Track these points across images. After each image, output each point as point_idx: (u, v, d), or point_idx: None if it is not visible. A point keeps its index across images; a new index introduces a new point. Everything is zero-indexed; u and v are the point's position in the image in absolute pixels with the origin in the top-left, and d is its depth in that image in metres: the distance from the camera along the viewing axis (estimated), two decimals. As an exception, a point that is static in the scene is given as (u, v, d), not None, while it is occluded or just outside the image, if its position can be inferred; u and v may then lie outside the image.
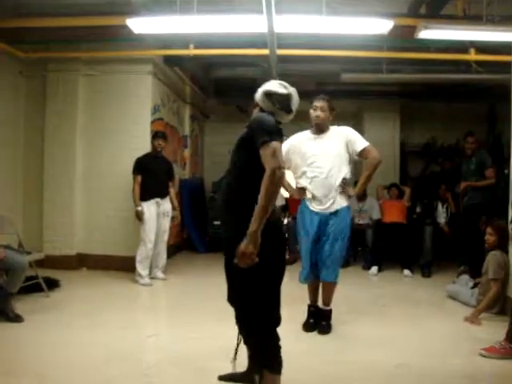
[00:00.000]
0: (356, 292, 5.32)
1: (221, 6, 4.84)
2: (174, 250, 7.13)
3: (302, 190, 3.93)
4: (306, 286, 4.03)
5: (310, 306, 4.05)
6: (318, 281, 3.96)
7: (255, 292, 2.29)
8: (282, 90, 2.49)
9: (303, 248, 3.92)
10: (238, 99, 8.27)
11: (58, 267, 5.66)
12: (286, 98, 2.49)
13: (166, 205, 5.77)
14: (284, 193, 5.01)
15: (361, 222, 7.11)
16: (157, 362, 3.25)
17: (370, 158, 3.88)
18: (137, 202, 5.53)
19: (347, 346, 3.63)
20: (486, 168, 5.84)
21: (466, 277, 5.21)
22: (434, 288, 5.57)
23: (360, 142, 3.90)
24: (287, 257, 6.58)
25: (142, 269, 5.53)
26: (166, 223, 5.80)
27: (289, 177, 4.13)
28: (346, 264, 6.33)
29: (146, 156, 5.76)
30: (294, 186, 4.12)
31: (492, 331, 3.80)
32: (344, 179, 3.86)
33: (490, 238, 4.54)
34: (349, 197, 3.96)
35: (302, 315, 4.01)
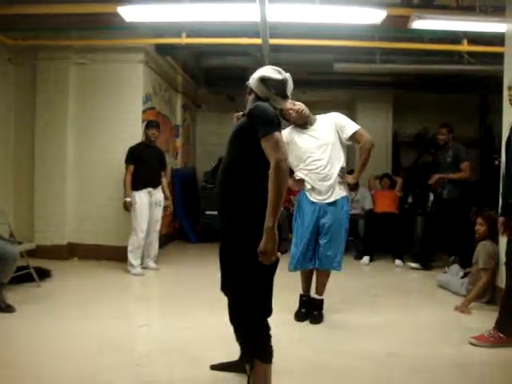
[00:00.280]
0: (348, 282, 5.34)
1: (213, -5, 4.80)
2: (165, 240, 7.12)
3: (301, 180, 3.92)
4: (297, 276, 4.04)
5: (302, 296, 4.06)
6: (313, 270, 3.98)
7: (250, 282, 2.29)
8: (277, 76, 2.47)
9: (298, 237, 3.91)
10: (229, 89, 8.25)
11: (49, 257, 5.63)
12: (282, 83, 2.47)
13: (158, 194, 5.75)
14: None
15: (353, 211, 7.12)
16: (149, 352, 3.26)
17: (363, 142, 3.86)
18: (127, 191, 5.51)
19: (339, 336, 3.65)
20: (462, 161, 5.86)
21: (456, 267, 5.26)
22: (425, 278, 5.62)
23: (350, 126, 3.87)
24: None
25: (133, 258, 5.52)
26: (159, 213, 5.78)
27: None
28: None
29: (138, 145, 5.72)
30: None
31: (482, 320, 3.84)
32: (342, 168, 3.86)
33: (480, 228, 4.58)
34: (348, 185, 3.95)
35: (294, 304, 4.03)
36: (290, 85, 2.52)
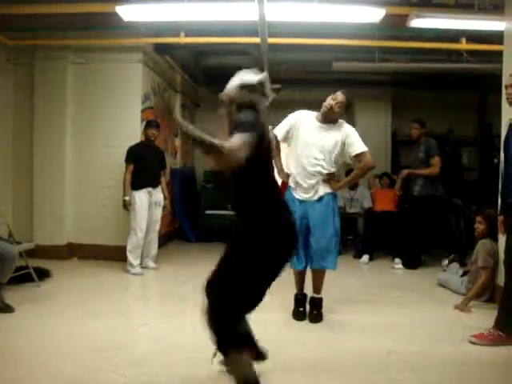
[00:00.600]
0: (347, 281, 5.34)
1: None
2: (165, 240, 7.12)
3: (288, 175, 3.96)
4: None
5: (297, 295, 4.04)
6: (305, 270, 3.98)
7: (244, 281, 2.28)
8: (254, 78, 2.45)
9: None
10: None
11: (48, 257, 5.62)
12: (261, 83, 2.45)
13: (158, 194, 5.74)
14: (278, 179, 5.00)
15: (352, 210, 7.14)
16: (148, 352, 3.25)
17: (364, 163, 3.90)
18: (126, 191, 5.50)
19: (339, 335, 3.65)
20: (432, 156, 5.86)
21: (456, 265, 5.27)
22: (425, 276, 5.62)
23: (358, 146, 3.88)
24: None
25: (133, 258, 5.51)
26: (158, 213, 5.77)
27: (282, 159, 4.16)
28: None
29: (138, 145, 5.72)
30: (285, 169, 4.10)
31: (481, 319, 3.84)
32: (328, 173, 3.87)
33: (479, 226, 4.58)
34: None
35: (292, 304, 4.02)
36: (268, 82, 2.51)
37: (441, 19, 4.74)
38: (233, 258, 2.36)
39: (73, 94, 6.14)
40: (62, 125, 6.11)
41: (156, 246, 5.86)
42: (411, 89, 8.22)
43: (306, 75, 7.51)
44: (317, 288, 3.98)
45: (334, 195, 3.95)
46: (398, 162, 8.85)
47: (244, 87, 2.42)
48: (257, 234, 2.29)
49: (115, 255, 5.79)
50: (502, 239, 4.00)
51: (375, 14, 4.54)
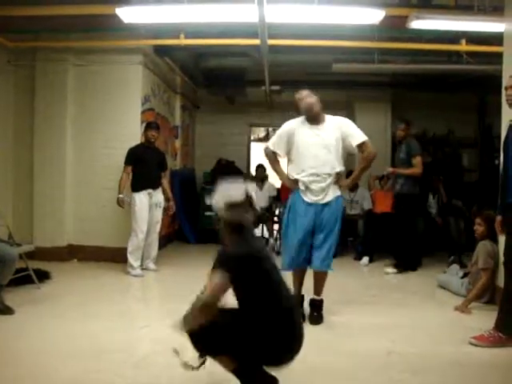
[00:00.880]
0: (347, 282, 5.34)
1: (211, -5, 4.80)
2: (165, 241, 7.11)
3: (295, 181, 3.92)
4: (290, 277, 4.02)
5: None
6: (305, 271, 3.98)
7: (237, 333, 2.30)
8: (240, 195, 2.39)
9: (291, 237, 3.88)
10: (228, 90, 8.25)
11: (48, 259, 5.63)
12: (248, 198, 2.40)
13: (159, 196, 5.74)
14: (276, 183, 5.01)
15: (352, 212, 7.13)
16: (148, 354, 3.25)
17: (367, 153, 3.89)
18: (121, 190, 5.49)
19: (339, 336, 3.65)
20: (413, 156, 5.85)
21: (456, 266, 5.26)
22: (425, 278, 5.62)
23: (359, 135, 3.89)
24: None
25: (133, 260, 5.51)
26: (158, 214, 5.77)
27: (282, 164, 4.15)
28: (334, 254, 6.36)
29: (138, 146, 5.72)
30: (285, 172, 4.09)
31: (482, 320, 3.84)
32: (337, 173, 3.87)
33: (478, 228, 4.59)
34: (340, 187, 3.96)
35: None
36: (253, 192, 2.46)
37: (440, 20, 4.74)
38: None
39: (73, 96, 6.15)
40: (62, 126, 6.11)
41: (156, 247, 5.86)
42: (411, 90, 8.23)
43: (306, 77, 7.51)
44: (318, 290, 3.98)
45: (341, 198, 3.97)
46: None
47: (231, 206, 2.37)
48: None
49: (115, 257, 5.79)
50: (502, 240, 3.99)
51: (375, 16, 4.54)
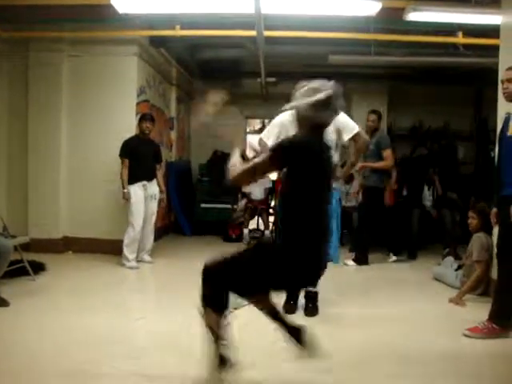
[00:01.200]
0: (343, 274, 5.36)
1: (207, -14, 4.76)
2: (160, 233, 7.11)
3: None
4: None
5: None
6: None
7: (251, 264, 2.34)
8: (323, 94, 2.33)
9: None
10: (224, 81, 8.20)
11: (43, 251, 5.61)
12: (331, 99, 2.35)
13: (154, 188, 5.73)
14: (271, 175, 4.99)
15: (348, 204, 7.13)
16: (144, 345, 3.26)
17: (360, 143, 3.89)
18: (125, 185, 5.49)
19: (334, 328, 3.65)
20: (384, 149, 5.84)
21: (450, 259, 5.28)
22: (420, 270, 5.64)
23: (352, 126, 3.88)
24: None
25: (129, 252, 5.50)
26: (154, 206, 5.76)
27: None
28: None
29: (132, 138, 5.69)
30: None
31: (476, 312, 3.86)
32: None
33: (472, 221, 4.62)
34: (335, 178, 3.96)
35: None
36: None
37: (437, 12, 4.73)
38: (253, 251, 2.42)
39: (68, 87, 6.10)
40: (56, 118, 6.08)
41: (152, 239, 5.85)
42: (407, 82, 8.20)
43: (303, 68, 7.48)
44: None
45: (338, 190, 3.99)
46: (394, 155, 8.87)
47: (315, 105, 2.31)
48: (288, 253, 2.30)
49: (111, 249, 5.78)
50: (496, 233, 4.01)
51: (371, 7, 4.53)
